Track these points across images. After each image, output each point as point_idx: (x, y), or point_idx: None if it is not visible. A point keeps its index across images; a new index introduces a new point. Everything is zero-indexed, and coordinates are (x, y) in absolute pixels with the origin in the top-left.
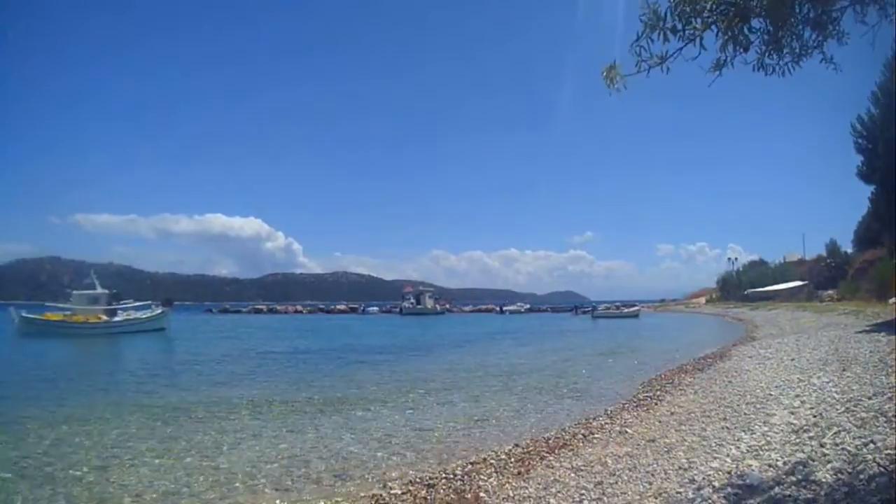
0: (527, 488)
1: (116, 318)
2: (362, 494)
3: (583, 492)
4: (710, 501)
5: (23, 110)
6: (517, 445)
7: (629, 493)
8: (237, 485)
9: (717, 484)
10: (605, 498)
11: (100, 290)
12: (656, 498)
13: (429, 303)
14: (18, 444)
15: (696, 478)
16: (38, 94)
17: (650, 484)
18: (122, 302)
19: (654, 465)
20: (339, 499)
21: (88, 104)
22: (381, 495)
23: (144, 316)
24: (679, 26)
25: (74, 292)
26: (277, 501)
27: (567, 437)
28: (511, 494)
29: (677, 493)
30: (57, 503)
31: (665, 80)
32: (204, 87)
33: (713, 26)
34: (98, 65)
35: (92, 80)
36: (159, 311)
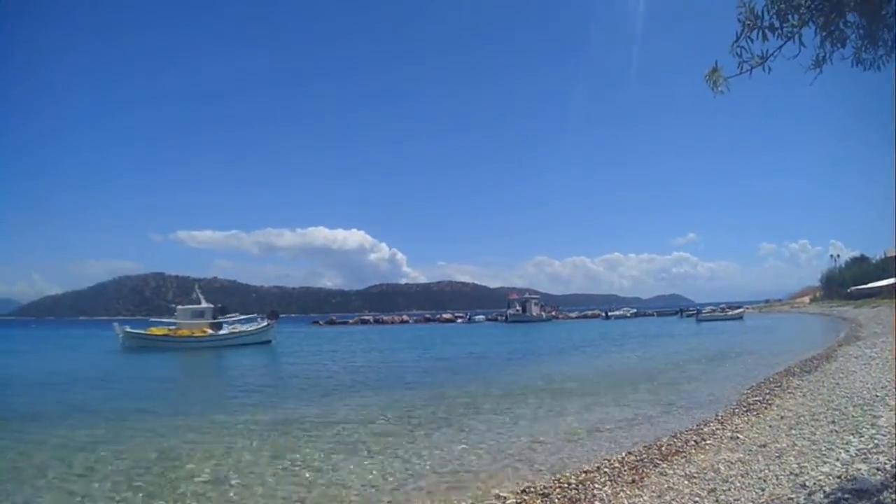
0: (641, 496)
1: (222, 332)
2: None
3: (696, 499)
4: None
5: (124, 132)
6: (630, 453)
7: (742, 499)
8: (352, 499)
9: (827, 489)
10: None
11: (205, 304)
12: None
13: (535, 310)
14: (129, 456)
15: (807, 483)
16: (139, 117)
17: (762, 490)
18: (227, 315)
19: (766, 471)
20: None
21: (189, 124)
22: None
23: (250, 329)
24: (777, 24)
25: (179, 307)
26: None
27: (679, 444)
28: (626, 502)
29: (789, 499)
30: None
31: (765, 79)
32: (305, 101)
33: (810, 22)
34: (193, 84)
35: (189, 100)
36: (265, 323)
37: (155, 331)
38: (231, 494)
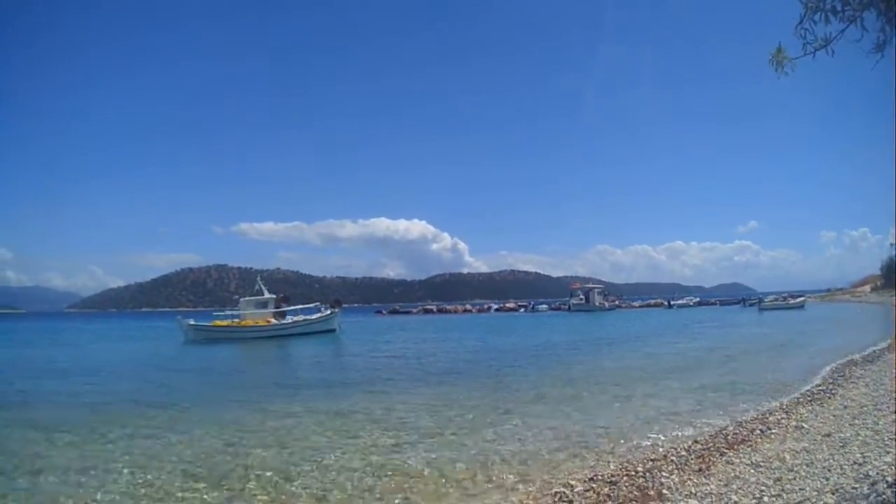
0: (708, 485)
1: (286, 321)
2: (545, 493)
3: (762, 488)
4: (884, 497)
5: (186, 127)
6: (696, 441)
7: (807, 489)
8: (422, 486)
9: (890, 479)
10: (784, 494)
11: (268, 294)
12: (833, 494)
13: (597, 299)
14: (196, 445)
15: (870, 473)
16: (201, 111)
17: (827, 480)
18: (290, 305)
19: (830, 461)
20: (522, 497)
21: (250, 119)
22: (564, 493)
23: (315, 317)
24: (839, 6)
25: (242, 298)
26: (462, 501)
27: (745, 433)
28: (693, 491)
29: (853, 488)
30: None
31: (825, 65)
32: (366, 96)
33: (871, 7)
34: (252, 79)
35: (248, 94)
36: (328, 312)
37: (219, 322)
38: (298, 482)
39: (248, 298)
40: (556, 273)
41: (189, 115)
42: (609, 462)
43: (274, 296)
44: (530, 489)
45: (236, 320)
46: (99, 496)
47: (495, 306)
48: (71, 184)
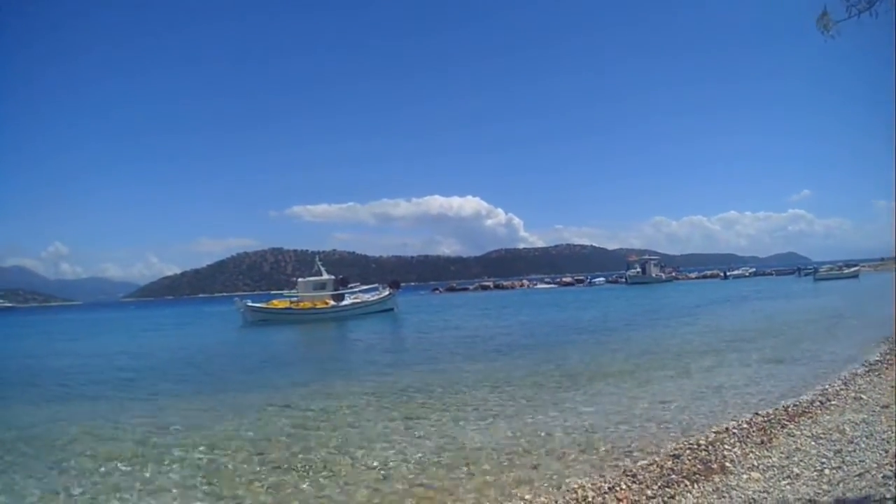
0: (770, 457)
1: (344, 303)
2: (608, 465)
3: (823, 460)
4: None
5: (238, 116)
6: (757, 414)
7: (867, 461)
8: (484, 463)
9: None
10: (844, 466)
11: (325, 276)
12: (893, 466)
13: (654, 271)
14: (256, 427)
15: None
16: (254, 102)
17: (886, 452)
18: (348, 286)
19: (889, 433)
20: (585, 468)
21: (301, 108)
22: (627, 466)
23: (372, 298)
24: None
25: (300, 280)
26: (524, 476)
27: (805, 405)
28: (755, 464)
29: None
30: (302, 487)
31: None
32: (421, 84)
33: None
34: (304, 70)
35: (300, 86)
36: (387, 292)
37: (277, 304)
38: (360, 462)
39: (306, 280)
40: (611, 245)
41: (241, 106)
42: (671, 435)
43: (332, 277)
44: (593, 461)
45: (294, 302)
46: (169, 478)
47: (552, 281)
48: (124, 176)
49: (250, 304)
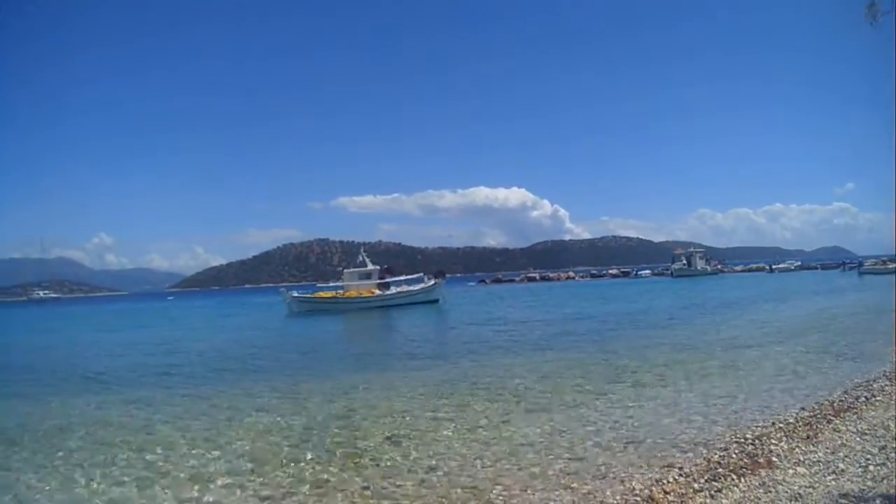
0: (816, 452)
1: (390, 292)
2: (655, 458)
3: (868, 456)
4: None
5: (282, 107)
6: (803, 409)
7: None
8: (530, 455)
9: None
10: (888, 463)
11: (371, 266)
12: None
13: (700, 264)
14: (304, 415)
15: None
16: (300, 96)
17: None
18: (393, 276)
19: None
20: (632, 459)
21: (346, 103)
22: (674, 459)
23: (417, 288)
24: None
25: (346, 270)
26: (571, 467)
27: (850, 400)
28: (801, 458)
29: None
30: (347, 477)
31: None
32: (463, 79)
33: None
34: (351, 65)
35: (350, 78)
36: (432, 282)
37: (322, 294)
38: (407, 452)
39: (351, 270)
40: (657, 238)
41: (288, 99)
42: (718, 428)
43: (377, 267)
44: (640, 453)
45: (340, 292)
46: (215, 467)
47: (598, 273)
48: (169, 168)
49: (296, 294)
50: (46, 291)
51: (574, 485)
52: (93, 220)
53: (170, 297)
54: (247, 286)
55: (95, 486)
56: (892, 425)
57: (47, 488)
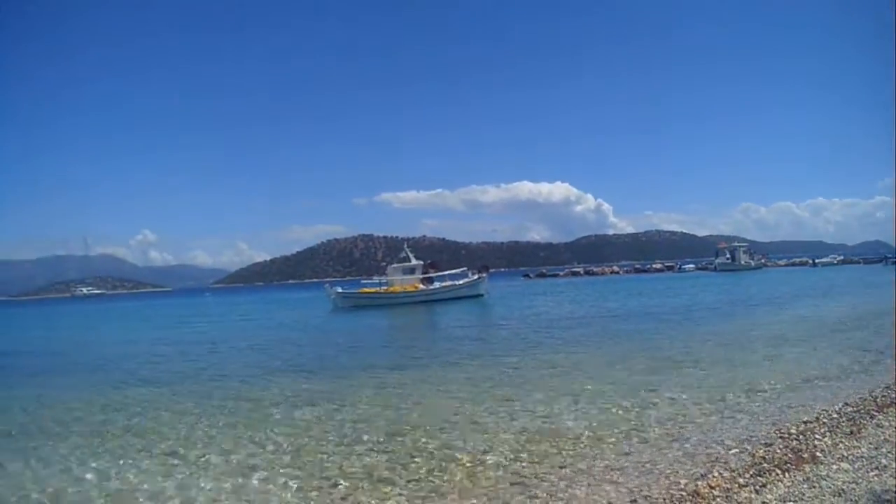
0: (859, 448)
1: (434, 287)
2: (700, 453)
3: None
4: None
5: (326, 108)
6: (847, 404)
7: None
8: (577, 447)
9: None
10: None
11: (415, 261)
12: None
13: (743, 258)
14: (353, 409)
15: None
16: (338, 94)
17: None
18: (437, 271)
19: None
20: (677, 456)
21: (386, 96)
22: (719, 454)
23: (461, 283)
24: None
25: (390, 265)
26: (616, 463)
27: (893, 396)
28: (845, 454)
29: None
30: (395, 468)
31: None
32: (515, 73)
33: None
34: (398, 67)
35: (393, 77)
36: (476, 277)
37: (366, 290)
38: (453, 446)
39: (395, 265)
40: (700, 232)
41: (330, 97)
42: (763, 424)
43: (421, 262)
44: (685, 448)
45: (384, 287)
46: (262, 458)
47: (642, 268)
48: (212, 165)
49: (340, 290)
50: (90, 288)
51: (620, 480)
52: (136, 217)
53: (207, 294)
54: (290, 282)
55: (133, 478)
56: None
57: (89, 476)
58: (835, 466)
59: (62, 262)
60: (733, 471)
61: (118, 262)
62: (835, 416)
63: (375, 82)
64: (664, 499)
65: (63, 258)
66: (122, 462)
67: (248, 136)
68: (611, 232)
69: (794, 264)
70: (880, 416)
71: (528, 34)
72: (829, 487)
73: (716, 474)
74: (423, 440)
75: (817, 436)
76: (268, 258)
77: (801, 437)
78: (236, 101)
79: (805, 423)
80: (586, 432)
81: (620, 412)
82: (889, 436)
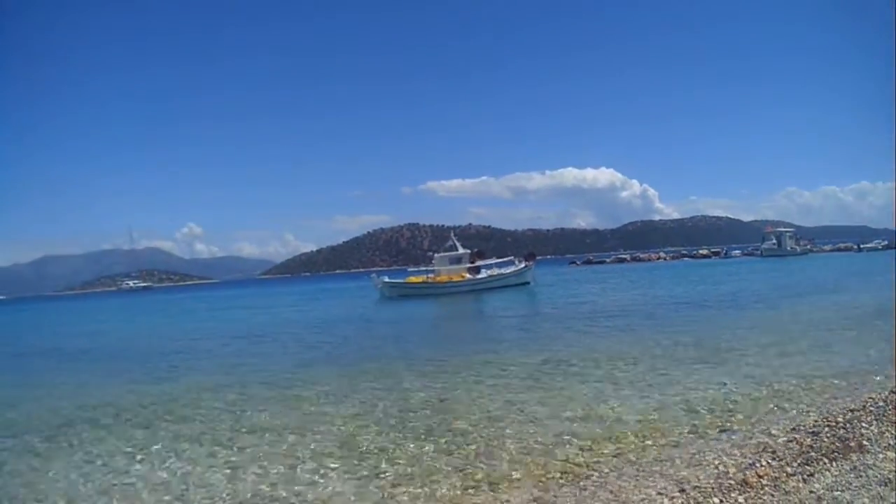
0: None
1: (481, 276)
2: (749, 442)
3: None
4: None
5: (377, 100)
6: (893, 392)
7: None
8: (625, 435)
9: None
10: None
11: (461, 250)
12: None
13: (789, 243)
14: (399, 396)
15: None
16: (390, 82)
17: None
18: (484, 260)
19: None
20: (725, 447)
21: (433, 96)
22: (767, 443)
23: (509, 271)
24: None
25: (436, 254)
26: (665, 454)
27: None
28: (891, 443)
29: None
30: (442, 458)
31: None
32: (562, 63)
33: None
34: (439, 61)
35: (443, 69)
36: (523, 265)
37: (413, 279)
38: (501, 435)
39: (442, 254)
40: (745, 217)
41: (375, 88)
42: (809, 412)
43: (468, 251)
44: (733, 438)
45: (430, 276)
46: (308, 448)
47: (688, 253)
48: (260, 156)
49: (387, 279)
50: (136, 281)
51: (669, 472)
52: (182, 210)
53: (274, 283)
54: (337, 272)
55: (180, 470)
56: None
57: (138, 468)
58: (881, 455)
59: (109, 257)
60: (781, 460)
61: (164, 255)
62: (881, 404)
63: (420, 72)
64: (713, 488)
65: (109, 252)
66: (169, 452)
67: (293, 127)
68: (657, 218)
69: (839, 249)
70: None
71: (576, 24)
72: (876, 476)
73: (764, 463)
74: (471, 429)
75: (864, 424)
76: (314, 248)
77: (847, 425)
78: (282, 93)
79: (852, 411)
80: (634, 420)
81: (668, 402)
82: None
